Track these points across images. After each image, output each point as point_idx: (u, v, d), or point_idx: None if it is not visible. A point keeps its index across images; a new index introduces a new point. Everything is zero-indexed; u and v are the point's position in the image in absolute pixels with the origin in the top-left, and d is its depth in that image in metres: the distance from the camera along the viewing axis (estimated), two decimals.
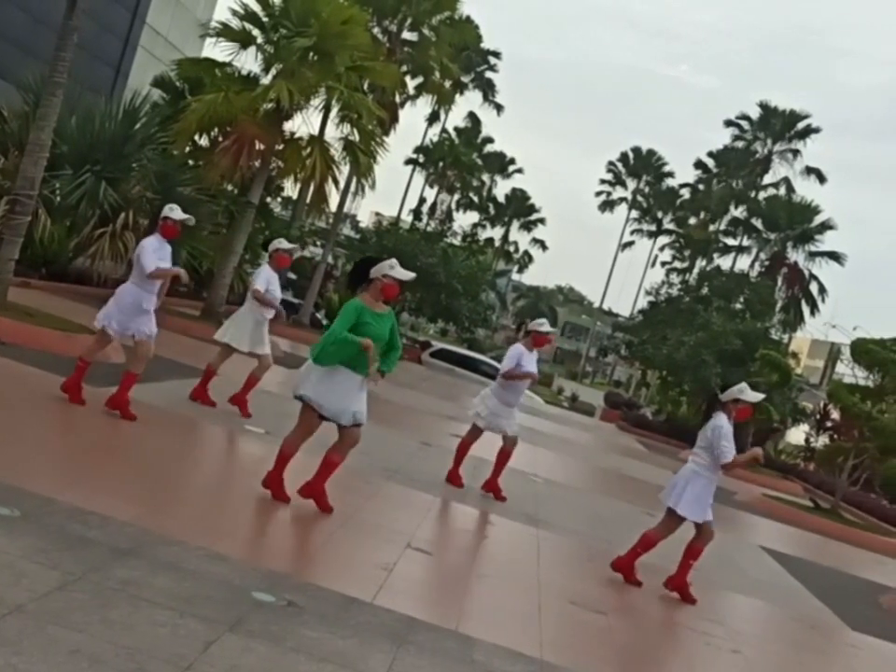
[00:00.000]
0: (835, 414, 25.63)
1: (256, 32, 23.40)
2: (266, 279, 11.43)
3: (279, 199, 37.81)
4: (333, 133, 25.50)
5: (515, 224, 74.53)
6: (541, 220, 75.29)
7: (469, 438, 11.66)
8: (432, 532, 8.75)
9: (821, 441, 25.11)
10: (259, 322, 11.76)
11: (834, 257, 48.59)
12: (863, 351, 20.92)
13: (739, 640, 8.35)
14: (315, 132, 25.42)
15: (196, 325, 21.72)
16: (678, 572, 9.00)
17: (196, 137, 24.08)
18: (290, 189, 30.31)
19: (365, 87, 28.21)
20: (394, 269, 7.80)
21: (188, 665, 4.29)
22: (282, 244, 10.88)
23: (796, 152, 53.74)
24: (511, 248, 76.39)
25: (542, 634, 6.73)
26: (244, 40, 23.34)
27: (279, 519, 7.81)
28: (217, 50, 37.83)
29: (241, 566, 6.00)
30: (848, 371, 23.00)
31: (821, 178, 53.36)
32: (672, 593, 8.94)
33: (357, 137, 24.30)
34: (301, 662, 4.77)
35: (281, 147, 23.80)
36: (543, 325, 11.68)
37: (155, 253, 9.68)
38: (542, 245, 77.01)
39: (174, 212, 10.08)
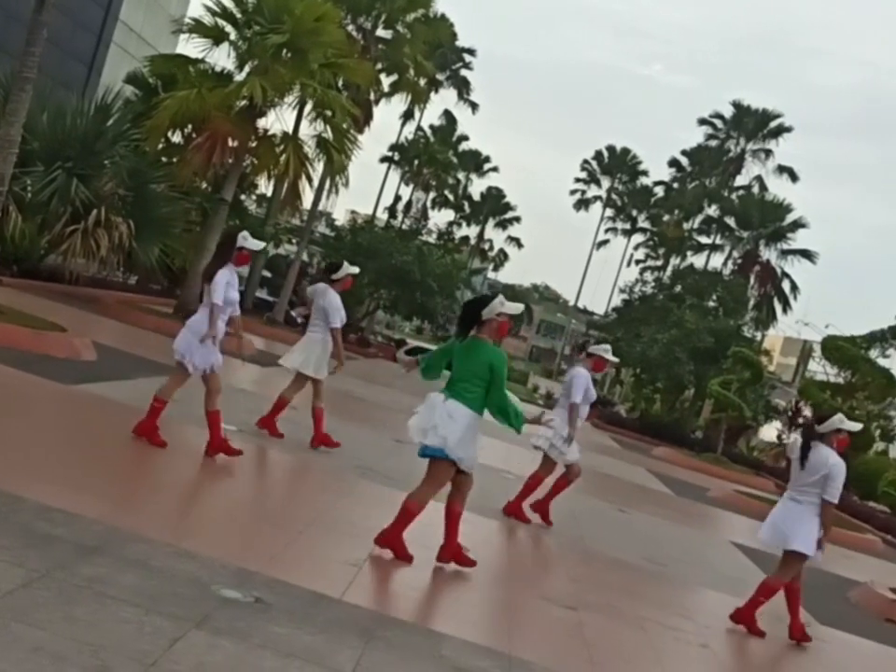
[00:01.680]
0: (807, 411, 25.78)
1: (229, 28, 23.34)
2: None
3: (253, 196, 37.70)
4: (307, 131, 25.45)
5: (491, 222, 74.47)
6: (517, 219, 75.28)
7: (545, 473, 11.16)
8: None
9: (793, 437, 25.23)
10: (325, 346, 11.53)
11: (806, 255, 48.94)
12: (834, 348, 21.10)
13: (708, 635, 8.41)
14: (289, 129, 25.39)
15: (169, 322, 21.59)
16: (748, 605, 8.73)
17: (169, 134, 24.00)
18: (264, 186, 30.28)
19: (339, 84, 28.18)
20: (504, 305, 7.56)
21: (152, 661, 4.28)
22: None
23: (769, 151, 54.10)
24: (487, 246, 76.35)
25: (512, 629, 6.75)
26: (217, 37, 23.27)
27: (249, 516, 7.80)
28: (190, 47, 37.66)
29: (209, 563, 5.98)
30: (820, 369, 23.19)
31: (794, 177, 53.75)
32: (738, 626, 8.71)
33: (330, 135, 24.27)
34: (267, 658, 4.76)
35: (254, 143, 23.76)
36: (609, 352, 11.40)
37: (227, 285, 9.14)
38: (518, 243, 77.02)
39: (248, 241, 9.45)
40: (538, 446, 11.02)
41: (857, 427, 9.06)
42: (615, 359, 11.60)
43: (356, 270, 11.98)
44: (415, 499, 7.58)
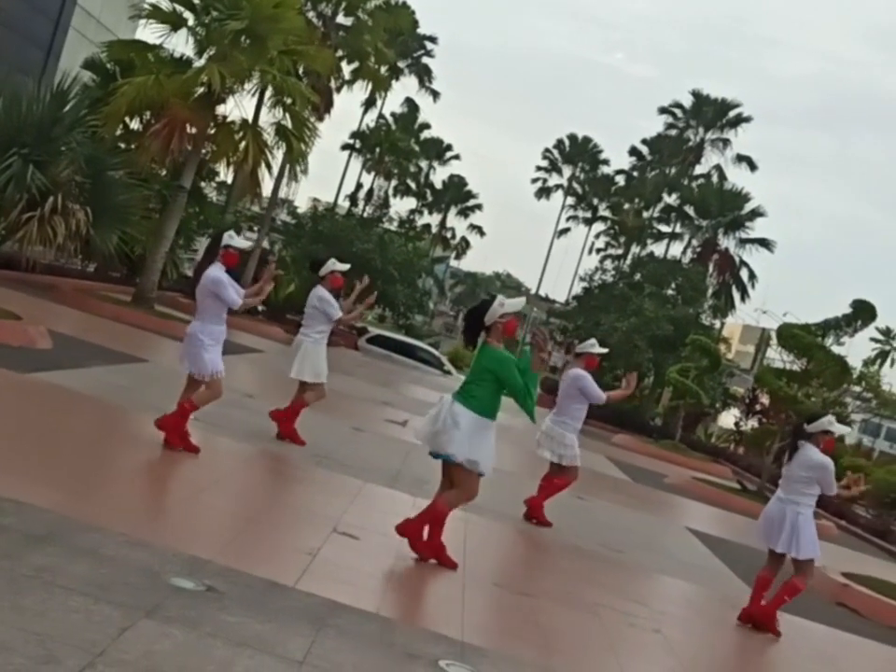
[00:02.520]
0: (764, 399, 26.06)
1: (187, 14, 23.18)
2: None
3: (213, 183, 37.46)
4: (266, 118, 25.34)
5: (453, 210, 74.50)
6: (479, 206, 75.34)
7: (565, 480, 11.20)
8: (360, 517, 8.76)
9: (751, 424, 25.53)
10: (318, 349, 11.38)
11: (764, 243, 49.32)
12: (789, 336, 21.30)
13: (661, 620, 8.50)
14: (249, 116, 25.26)
15: (127, 311, 21.49)
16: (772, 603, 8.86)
17: (127, 120, 23.81)
18: (224, 173, 30.10)
19: (299, 72, 28.05)
20: (504, 304, 7.55)
21: (100, 651, 4.27)
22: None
23: (727, 140, 54.46)
24: (449, 235, 76.38)
25: (465, 616, 6.78)
26: (174, 22, 23.10)
27: (204, 505, 7.78)
28: (148, 33, 37.31)
29: (161, 552, 5.97)
30: (778, 357, 23.41)
31: (752, 166, 54.12)
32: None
33: (289, 122, 24.18)
34: (217, 647, 4.77)
35: (213, 131, 23.61)
36: (595, 346, 11.30)
37: (232, 286, 9.18)
38: (480, 231, 77.08)
39: (233, 240, 9.39)
40: (548, 459, 11.10)
41: (846, 430, 9.33)
42: (604, 350, 11.52)
43: (342, 266, 11.57)
44: (445, 502, 7.60)
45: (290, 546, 7.21)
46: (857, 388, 26.16)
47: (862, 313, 21.47)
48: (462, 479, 7.52)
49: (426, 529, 7.62)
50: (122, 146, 23.78)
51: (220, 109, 23.78)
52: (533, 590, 8.23)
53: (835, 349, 21.74)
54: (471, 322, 7.64)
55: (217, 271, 9.22)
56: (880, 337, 52.64)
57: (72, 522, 6.03)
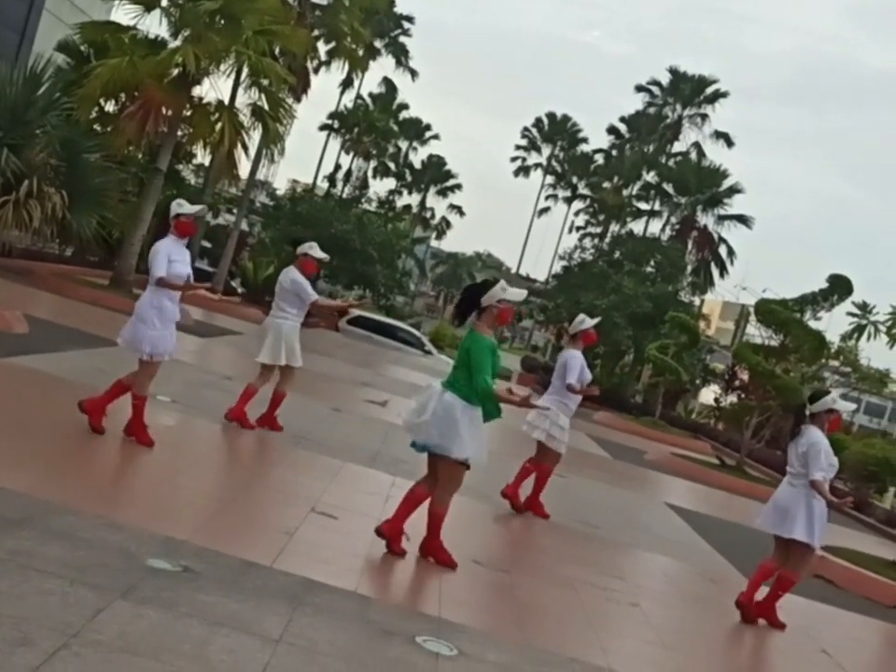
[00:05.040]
0: (744, 375, 26.17)
1: None
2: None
3: (191, 166, 37.28)
4: (243, 99, 25.21)
5: (432, 190, 74.31)
6: (458, 186, 75.17)
7: (552, 463, 10.86)
8: (338, 496, 8.79)
9: (730, 400, 25.64)
10: (294, 331, 10.93)
11: (742, 220, 49.42)
12: (767, 311, 21.38)
13: (639, 595, 8.57)
14: (225, 97, 25.13)
15: (105, 294, 21.42)
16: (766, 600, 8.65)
17: (102, 103, 23.63)
18: (201, 155, 29.95)
19: (275, 52, 27.88)
20: (507, 291, 7.27)
21: (75, 632, 4.29)
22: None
23: (704, 116, 54.47)
24: (429, 215, 76.23)
25: (443, 593, 6.83)
26: (148, 3, 22.91)
27: (180, 487, 7.79)
28: (122, 14, 37.05)
29: (138, 533, 5.99)
30: (758, 332, 23.51)
31: (729, 142, 54.13)
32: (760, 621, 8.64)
33: (265, 104, 24.07)
34: (193, 626, 4.79)
35: (189, 112, 23.47)
36: (585, 321, 10.79)
37: (167, 256, 8.57)
38: (460, 211, 76.95)
39: (182, 207, 8.82)
40: (536, 438, 10.73)
41: (851, 406, 8.93)
42: (595, 321, 10.91)
43: (320, 254, 11.12)
44: (438, 504, 7.39)
45: (268, 526, 7.23)
46: (835, 363, 26.35)
47: (839, 287, 21.55)
48: (448, 471, 7.27)
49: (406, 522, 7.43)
50: (97, 128, 23.66)
51: (196, 91, 23.65)
52: (511, 566, 8.28)
53: (813, 324, 21.85)
54: (467, 299, 7.35)
55: (164, 242, 8.72)
56: (857, 311, 52.99)
57: (47, 505, 6.04)
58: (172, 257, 8.66)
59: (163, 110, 22.22)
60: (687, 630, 8.20)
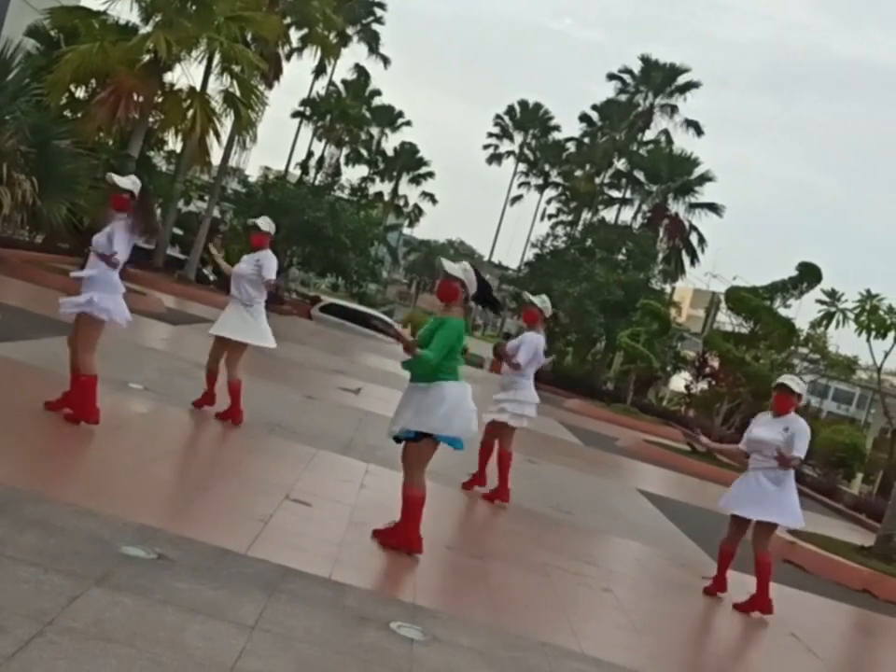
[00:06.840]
0: (714, 362, 26.36)
1: None
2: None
3: (162, 153, 37.03)
4: (214, 86, 25.08)
5: (405, 178, 74.21)
6: (431, 174, 75.09)
7: (508, 444, 10.85)
8: (312, 484, 8.81)
9: (700, 387, 25.83)
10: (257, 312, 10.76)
11: (713, 208, 49.71)
12: (737, 299, 21.54)
13: (611, 580, 8.65)
14: (197, 84, 25.02)
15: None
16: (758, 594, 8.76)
17: (72, 89, 23.49)
18: (173, 142, 29.77)
19: (247, 38, 27.76)
20: (451, 266, 7.44)
21: (49, 620, 4.30)
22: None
23: (675, 106, 54.67)
24: (401, 202, 76.11)
25: (417, 579, 6.88)
26: None
27: (154, 475, 7.79)
28: None
29: (112, 521, 5.99)
30: (728, 320, 23.69)
31: (699, 131, 54.36)
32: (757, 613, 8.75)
33: (237, 90, 23.98)
34: (168, 613, 4.81)
35: (161, 99, 23.37)
36: (530, 298, 11.02)
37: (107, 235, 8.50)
38: (432, 198, 76.87)
39: (114, 178, 8.57)
40: (499, 420, 10.75)
41: (793, 380, 9.28)
42: (535, 299, 11.00)
43: (264, 225, 10.88)
44: (417, 487, 7.36)
45: (242, 513, 7.24)
46: (804, 350, 26.56)
47: (808, 275, 21.74)
48: (420, 451, 7.28)
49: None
50: (68, 114, 23.48)
51: (167, 77, 23.57)
52: (484, 552, 8.34)
53: (783, 311, 22.04)
54: (489, 297, 7.64)
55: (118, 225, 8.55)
56: (826, 299, 53.24)
57: (20, 493, 6.03)
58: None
59: (134, 96, 22.13)
60: (658, 614, 8.28)
